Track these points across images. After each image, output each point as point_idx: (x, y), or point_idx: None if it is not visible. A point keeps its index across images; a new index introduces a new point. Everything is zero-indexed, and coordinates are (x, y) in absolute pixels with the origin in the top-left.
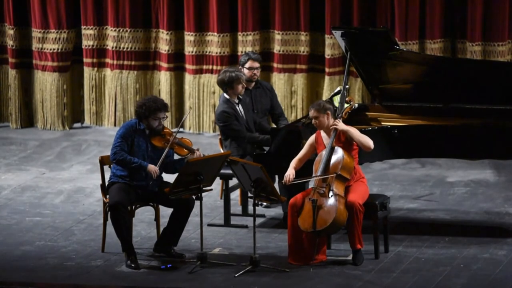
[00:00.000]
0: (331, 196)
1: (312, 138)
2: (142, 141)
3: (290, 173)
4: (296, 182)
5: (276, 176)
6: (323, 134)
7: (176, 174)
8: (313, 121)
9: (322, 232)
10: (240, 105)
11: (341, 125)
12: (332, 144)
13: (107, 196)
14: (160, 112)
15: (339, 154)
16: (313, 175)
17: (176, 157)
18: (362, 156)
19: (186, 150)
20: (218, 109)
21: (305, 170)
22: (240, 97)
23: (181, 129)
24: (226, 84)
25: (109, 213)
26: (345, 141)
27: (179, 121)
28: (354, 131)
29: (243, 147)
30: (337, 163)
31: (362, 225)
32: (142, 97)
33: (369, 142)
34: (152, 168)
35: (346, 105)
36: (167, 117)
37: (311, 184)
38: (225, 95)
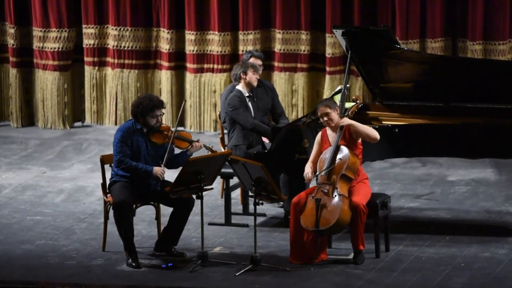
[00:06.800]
0: (335, 196)
1: (318, 136)
2: (141, 141)
3: (308, 170)
4: (316, 175)
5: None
6: (328, 131)
7: (177, 174)
8: (323, 118)
9: (325, 231)
10: (250, 102)
11: (346, 121)
12: (337, 142)
13: (110, 195)
14: (157, 109)
15: (344, 153)
16: (317, 173)
17: (176, 151)
18: (363, 155)
19: (186, 143)
20: (229, 95)
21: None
22: (251, 93)
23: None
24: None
25: (113, 211)
26: (350, 140)
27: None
28: (358, 124)
29: (249, 138)
30: (343, 163)
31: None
32: (137, 97)
33: (375, 133)
34: (158, 170)
35: (352, 104)
36: (163, 113)
37: (314, 183)
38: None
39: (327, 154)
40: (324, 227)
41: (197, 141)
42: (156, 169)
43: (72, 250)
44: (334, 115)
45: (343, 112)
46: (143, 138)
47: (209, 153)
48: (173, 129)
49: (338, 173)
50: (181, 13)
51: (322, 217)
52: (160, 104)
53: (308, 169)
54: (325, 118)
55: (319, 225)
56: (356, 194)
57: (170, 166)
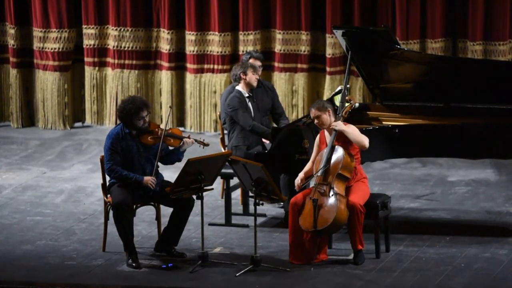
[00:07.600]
0: (332, 195)
1: (317, 138)
2: (132, 145)
3: (299, 177)
4: (307, 183)
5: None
6: (326, 133)
7: (177, 174)
8: (315, 121)
9: (323, 231)
10: (250, 102)
11: (338, 125)
12: (332, 143)
13: (109, 196)
14: (142, 111)
15: (339, 153)
16: (314, 173)
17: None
18: (363, 155)
19: (178, 140)
20: (229, 95)
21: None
22: (251, 94)
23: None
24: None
25: (112, 212)
26: (346, 140)
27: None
28: (350, 131)
29: (249, 138)
30: (338, 162)
31: (363, 225)
32: (121, 101)
33: (364, 141)
34: (149, 180)
35: (346, 104)
36: (150, 113)
37: (311, 183)
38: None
39: (322, 155)
40: (322, 227)
41: (188, 137)
42: (146, 179)
43: (72, 251)
44: (325, 117)
45: (339, 113)
46: (133, 142)
47: (202, 147)
48: (163, 127)
49: (333, 173)
50: (181, 13)
51: (319, 217)
52: (144, 105)
53: (300, 175)
54: (316, 121)
55: (317, 225)
56: (354, 194)
57: (165, 163)
